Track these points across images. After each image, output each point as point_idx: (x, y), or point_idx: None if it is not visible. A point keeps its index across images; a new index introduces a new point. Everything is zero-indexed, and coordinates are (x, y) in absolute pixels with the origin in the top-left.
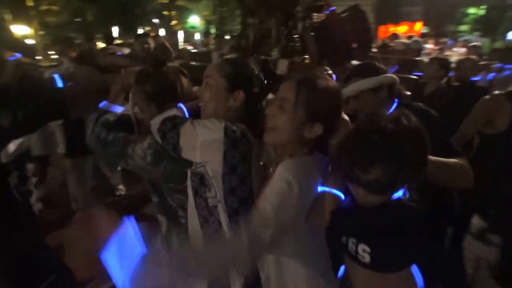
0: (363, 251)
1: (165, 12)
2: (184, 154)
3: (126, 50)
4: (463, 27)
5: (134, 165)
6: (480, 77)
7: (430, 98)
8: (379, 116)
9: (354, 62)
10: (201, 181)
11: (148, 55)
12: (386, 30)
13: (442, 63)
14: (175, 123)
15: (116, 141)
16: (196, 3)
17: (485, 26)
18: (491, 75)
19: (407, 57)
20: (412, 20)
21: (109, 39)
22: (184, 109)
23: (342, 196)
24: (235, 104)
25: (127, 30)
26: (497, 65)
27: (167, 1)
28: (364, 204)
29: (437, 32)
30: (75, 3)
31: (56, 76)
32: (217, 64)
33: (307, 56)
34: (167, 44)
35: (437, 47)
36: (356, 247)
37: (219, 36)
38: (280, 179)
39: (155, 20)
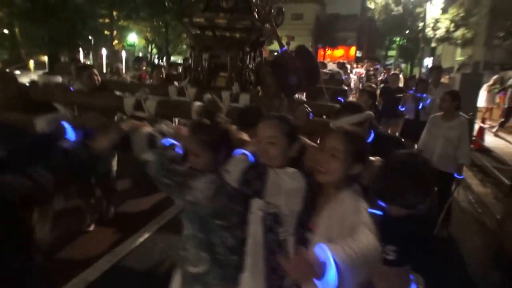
0: (389, 250)
1: (106, 32)
2: (267, 198)
3: (58, 78)
4: (391, 52)
5: (191, 196)
6: (405, 108)
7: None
8: (406, 152)
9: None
10: (276, 219)
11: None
12: (325, 53)
13: (370, 95)
14: (259, 172)
15: (180, 173)
16: (138, 24)
17: (405, 53)
18: (420, 104)
19: (331, 86)
20: (347, 44)
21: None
22: (250, 155)
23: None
24: (293, 154)
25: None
26: (418, 95)
27: (108, 21)
28: (395, 215)
29: (368, 56)
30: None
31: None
32: (276, 125)
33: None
34: (216, 98)
35: (369, 70)
36: (383, 247)
37: (157, 68)
38: (357, 208)
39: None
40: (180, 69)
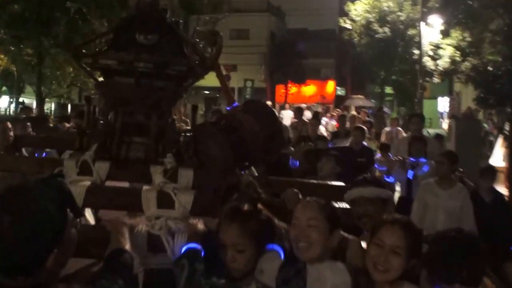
0: None
1: None
2: None
3: None
4: (388, 89)
5: None
6: (393, 178)
7: None
8: (449, 231)
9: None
10: None
11: None
12: (287, 92)
13: (337, 159)
14: (298, 268)
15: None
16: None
17: (400, 91)
18: (410, 173)
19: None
20: (322, 77)
21: None
22: (280, 251)
23: None
24: (334, 244)
25: None
26: (410, 160)
27: None
28: None
29: (355, 94)
30: None
31: None
32: (315, 205)
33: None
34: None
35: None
36: None
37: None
38: None
39: None
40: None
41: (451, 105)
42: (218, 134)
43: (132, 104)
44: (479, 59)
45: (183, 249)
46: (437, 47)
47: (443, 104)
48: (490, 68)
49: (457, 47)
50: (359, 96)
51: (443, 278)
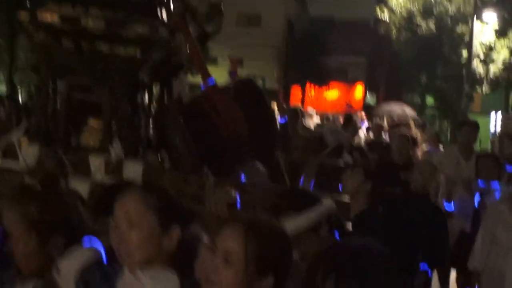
0: None
1: None
2: None
3: None
4: (430, 100)
5: None
6: (455, 206)
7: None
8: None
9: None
10: None
11: None
12: (305, 95)
13: (366, 173)
14: (106, 272)
15: None
16: None
17: (442, 102)
18: (477, 197)
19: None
20: (349, 79)
21: None
22: (101, 249)
23: None
24: (171, 246)
25: None
26: (480, 183)
27: None
28: None
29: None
30: None
31: None
32: (138, 196)
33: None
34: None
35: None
36: None
37: None
38: None
39: None
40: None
41: (504, 124)
42: (179, 121)
43: (77, 74)
44: None
45: None
46: (490, 48)
47: (497, 121)
48: None
49: None
50: (397, 103)
51: None
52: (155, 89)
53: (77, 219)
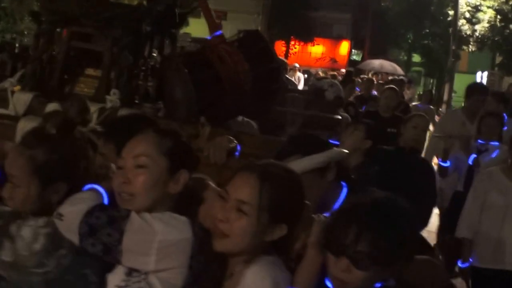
0: None
1: None
2: (125, 261)
3: None
4: (416, 57)
5: (10, 253)
6: (451, 162)
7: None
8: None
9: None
10: None
11: None
12: (288, 49)
13: (367, 129)
14: (113, 216)
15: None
16: None
17: (429, 60)
18: (472, 156)
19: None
20: (334, 35)
21: None
22: (104, 193)
23: None
24: (178, 189)
25: None
26: (478, 142)
27: None
28: None
29: (374, 58)
30: None
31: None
32: (151, 139)
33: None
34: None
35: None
36: None
37: None
38: None
39: None
40: None
41: (489, 81)
42: (183, 71)
43: (80, 23)
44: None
45: None
46: (476, 9)
47: (483, 80)
48: None
49: (499, 11)
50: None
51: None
52: (158, 40)
53: (85, 166)
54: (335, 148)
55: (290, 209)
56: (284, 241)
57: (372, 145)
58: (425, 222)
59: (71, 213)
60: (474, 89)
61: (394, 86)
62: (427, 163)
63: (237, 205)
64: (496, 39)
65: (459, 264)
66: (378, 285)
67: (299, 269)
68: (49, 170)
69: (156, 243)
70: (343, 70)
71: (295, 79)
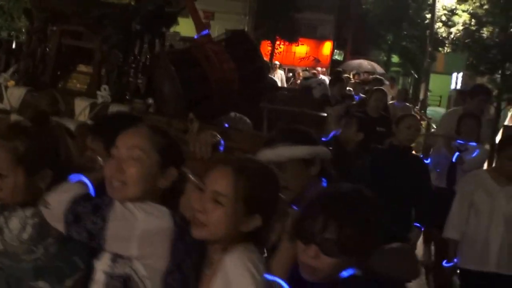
0: None
1: None
2: (109, 246)
3: None
4: (395, 58)
5: (1, 243)
6: (431, 160)
7: None
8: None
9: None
10: (125, 286)
11: None
12: (273, 50)
13: (360, 123)
14: (97, 204)
15: None
16: None
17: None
18: (456, 154)
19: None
20: (318, 36)
21: None
22: (90, 184)
23: (286, 286)
24: (166, 184)
25: None
26: (458, 142)
27: None
28: (311, 277)
29: (355, 58)
30: None
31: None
32: (145, 133)
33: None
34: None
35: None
36: None
37: None
38: (242, 277)
39: None
40: None
41: (464, 81)
42: (170, 67)
43: (70, 21)
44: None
45: None
46: (452, 12)
47: (458, 80)
48: (484, 36)
49: (473, 15)
50: (364, 60)
51: (300, 228)
52: (147, 39)
53: (65, 153)
54: (322, 146)
55: (264, 201)
56: (260, 231)
57: (364, 138)
58: (428, 219)
59: (58, 202)
60: (478, 90)
61: (382, 88)
62: (421, 160)
63: (214, 196)
64: (466, 41)
65: (444, 263)
66: (346, 273)
67: (274, 258)
68: (32, 158)
69: (137, 230)
70: (319, 69)
71: (276, 77)
